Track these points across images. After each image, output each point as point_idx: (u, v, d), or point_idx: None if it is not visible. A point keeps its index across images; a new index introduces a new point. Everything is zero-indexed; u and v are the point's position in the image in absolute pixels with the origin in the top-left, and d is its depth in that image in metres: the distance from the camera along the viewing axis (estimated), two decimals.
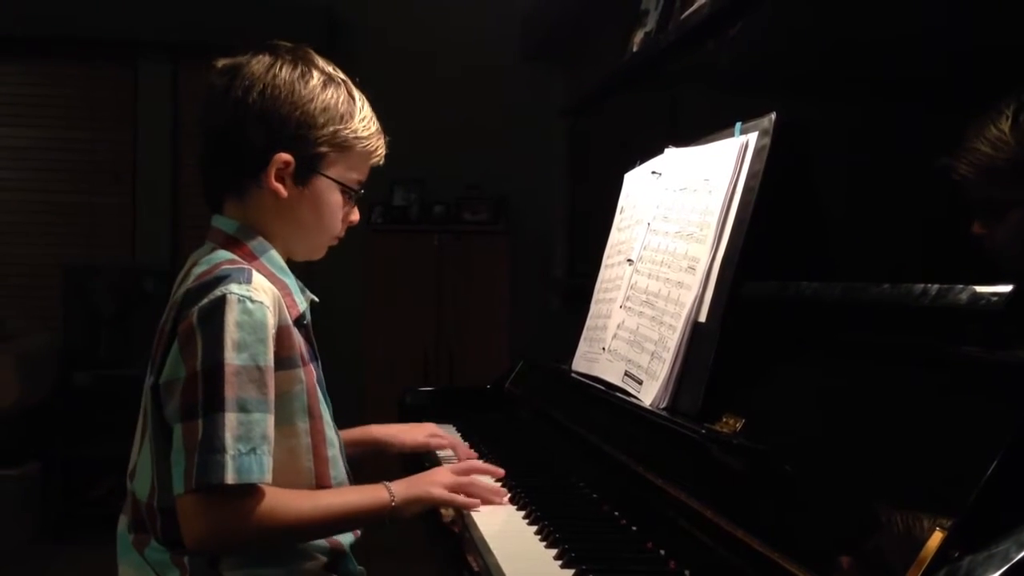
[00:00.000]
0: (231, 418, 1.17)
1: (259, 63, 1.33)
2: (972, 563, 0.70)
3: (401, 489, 1.35)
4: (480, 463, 1.58)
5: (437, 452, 1.79)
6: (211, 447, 1.16)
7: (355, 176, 1.40)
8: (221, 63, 1.36)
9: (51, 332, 4.34)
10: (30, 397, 3.91)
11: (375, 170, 1.45)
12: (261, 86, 1.31)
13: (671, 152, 1.63)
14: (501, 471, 1.52)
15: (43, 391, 4.05)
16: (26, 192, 4.65)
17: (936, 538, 0.77)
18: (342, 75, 1.39)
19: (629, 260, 1.65)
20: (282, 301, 1.29)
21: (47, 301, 4.49)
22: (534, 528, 1.31)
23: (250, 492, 1.20)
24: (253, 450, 1.18)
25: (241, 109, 1.31)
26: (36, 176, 4.66)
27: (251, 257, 1.32)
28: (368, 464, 1.67)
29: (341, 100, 1.35)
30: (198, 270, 1.28)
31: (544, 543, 1.25)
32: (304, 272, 1.45)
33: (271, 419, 1.22)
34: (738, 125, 1.41)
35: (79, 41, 4.59)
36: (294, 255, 1.42)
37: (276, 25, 4.36)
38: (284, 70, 1.32)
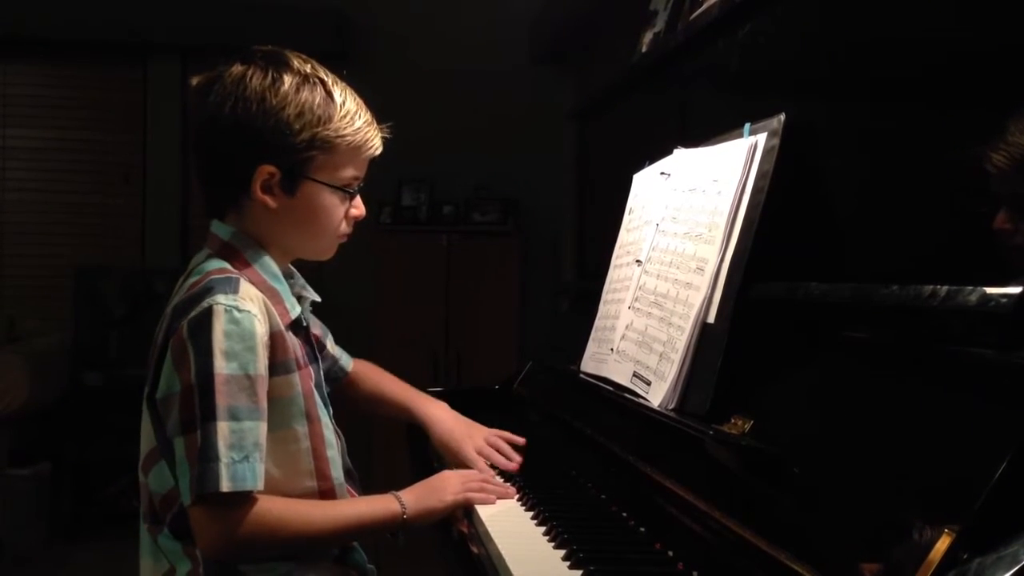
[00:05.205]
0: (223, 427, 1.18)
1: (230, 75, 1.30)
2: (981, 565, 0.70)
3: (412, 501, 1.36)
4: (491, 476, 1.55)
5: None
6: (206, 456, 1.18)
7: (348, 173, 1.35)
8: (195, 80, 1.34)
9: (62, 332, 4.36)
10: (41, 398, 3.92)
11: (384, 170, 1.44)
12: (232, 100, 1.28)
13: (680, 153, 1.63)
14: (513, 490, 1.50)
15: (54, 392, 4.06)
16: (37, 193, 4.66)
17: (944, 540, 0.76)
18: (321, 73, 1.34)
19: (638, 261, 1.65)
20: (272, 308, 1.28)
21: (58, 302, 4.50)
22: (542, 529, 1.32)
23: (247, 499, 1.21)
24: (246, 458, 1.19)
25: (216, 125, 1.30)
26: (47, 177, 4.67)
27: (244, 264, 1.31)
28: (378, 441, 1.63)
29: (317, 102, 1.30)
30: (189, 281, 1.28)
31: (552, 543, 1.25)
32: (314, 272, 1.45)
33: (263, 427, 1.23)
34: (747, 126, 1.41)
35: (90, 43, 4.60)
36: (303, 256, 1.41)
37: (286, 27, 4.43)
38: (255, 79, 1.29)
